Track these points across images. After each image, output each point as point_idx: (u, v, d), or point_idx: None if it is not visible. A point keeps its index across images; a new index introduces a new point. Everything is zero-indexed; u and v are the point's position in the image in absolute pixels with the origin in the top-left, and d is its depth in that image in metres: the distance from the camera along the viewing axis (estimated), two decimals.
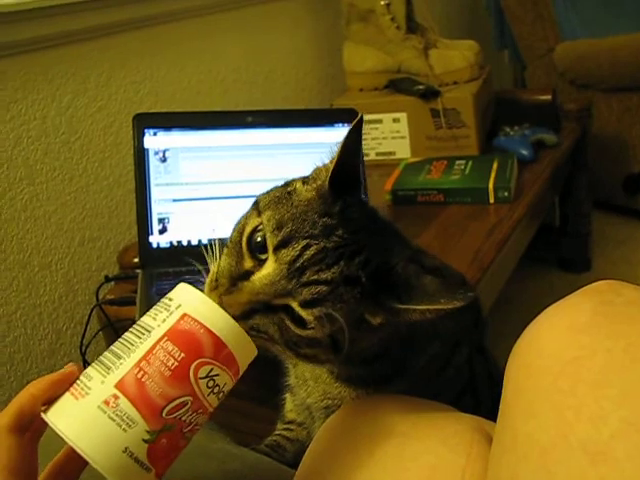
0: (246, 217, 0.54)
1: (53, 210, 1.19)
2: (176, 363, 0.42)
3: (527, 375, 0.40)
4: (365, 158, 0.62)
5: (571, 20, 2.12)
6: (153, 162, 0.98)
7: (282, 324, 0.50)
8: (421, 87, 1.44)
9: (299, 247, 0.49)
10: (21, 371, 1.16)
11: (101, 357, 0.44)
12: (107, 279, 1.06)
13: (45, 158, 1.17)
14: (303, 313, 0.49)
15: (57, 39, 1.16)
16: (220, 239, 0.55)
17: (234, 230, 0.54)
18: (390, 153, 1.49)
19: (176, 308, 0.44)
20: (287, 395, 0.73)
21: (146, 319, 0.45)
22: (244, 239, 0.52)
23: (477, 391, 0.69)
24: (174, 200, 0.99)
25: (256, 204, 0.55)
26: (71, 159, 1.21)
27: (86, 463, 0.41)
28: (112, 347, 0.44)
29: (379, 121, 1.47)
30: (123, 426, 0.40)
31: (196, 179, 1.00)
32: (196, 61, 1.45)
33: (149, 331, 0.43)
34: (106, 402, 0.41)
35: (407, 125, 1.46)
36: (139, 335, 0.43)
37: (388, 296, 0.50)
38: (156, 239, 0.98)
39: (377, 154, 1.50)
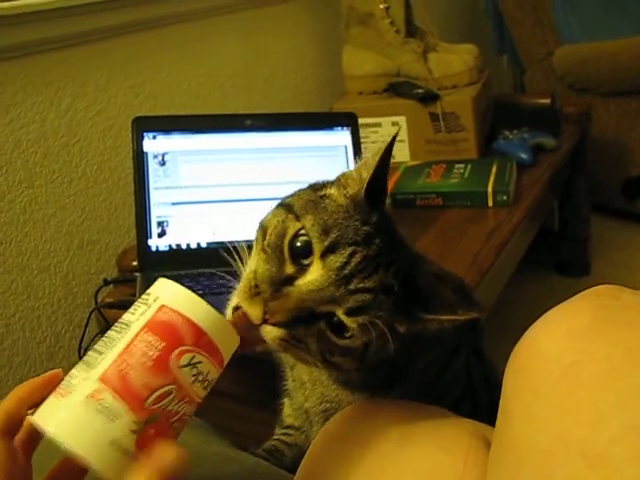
0: (283, 221, 0.52)
1: (52, 213, 1.19)
2: (157, 352, 0.42)
3: (526, 379, 0.40)
4: None
5: (570, 24, 2.12)
6: (152, 165, 0.98)
7: (321, 333, 0.50)
8: (420, 91, 1.44)
9: (346, 254, 0.49)
10: (20, 374, 1.16)
11: (84, 357, 0.44)
12: (106, 282, 1.06)
13: (44, 161, 1.17)
14: (347, 321, 0.49)
15: (56, 42, 1.16)
16: (247, 242, 0.55)
17: (269, 235, 0.53)
18: None
19: (154, 301, 0.45)
20: (285, 400, 0.72)
21: (126, 315, 0.45)
22: (286, 243, 0.51)
23: (476, 395, 0.69)
24: (173, 203, 0.99)
25: (288, 207, 0.54)
26: (70, 162, 1.21)
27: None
28: (94, 346, 0.44)
29: (378, 125, 1.47)
30: (109, 418, 0.40)
31: (195, 182, 1.00)
32: (195, 64, 1.45)
33: (129, 325, 0.44)
34: (90, 396, 0.41)
35: (406, 129, 1.46)
36: (119, 330, 0.44)
37: (416, 306, 0.51)
38: (155, 242, 0.98)
39: None
